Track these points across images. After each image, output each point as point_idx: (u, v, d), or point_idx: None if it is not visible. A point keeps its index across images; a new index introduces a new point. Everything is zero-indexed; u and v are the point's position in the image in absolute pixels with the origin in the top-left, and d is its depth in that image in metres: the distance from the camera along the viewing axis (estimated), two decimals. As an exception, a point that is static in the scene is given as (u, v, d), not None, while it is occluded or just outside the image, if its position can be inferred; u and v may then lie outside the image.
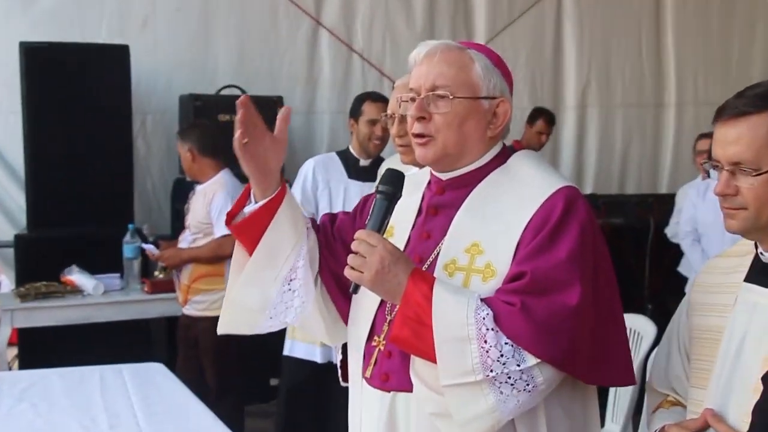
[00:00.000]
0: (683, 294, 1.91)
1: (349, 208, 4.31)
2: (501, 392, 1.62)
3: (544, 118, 6.16)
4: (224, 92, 5.68)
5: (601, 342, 1.70)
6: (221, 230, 4.29)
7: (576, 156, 6.91)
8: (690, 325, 1.83)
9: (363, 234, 1.73)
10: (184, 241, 4.54)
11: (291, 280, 1.88)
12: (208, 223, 4.41)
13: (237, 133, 1.78)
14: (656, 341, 3.72)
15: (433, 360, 1.65)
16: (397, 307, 1.72)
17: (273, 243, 1.85)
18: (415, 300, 1.67)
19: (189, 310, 4.50)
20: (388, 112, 2.77)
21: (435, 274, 1.76)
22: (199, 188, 4.55)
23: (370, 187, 4.23)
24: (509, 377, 1.62)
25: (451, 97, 1.78)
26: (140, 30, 5.74)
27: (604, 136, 6.96)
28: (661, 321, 4.19)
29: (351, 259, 1.72)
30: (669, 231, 5.69)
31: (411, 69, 1.87)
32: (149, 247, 4.67)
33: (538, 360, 1.62)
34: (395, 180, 1.83)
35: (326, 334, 2.00)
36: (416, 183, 1.95)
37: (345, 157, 4.32)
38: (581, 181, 6.88)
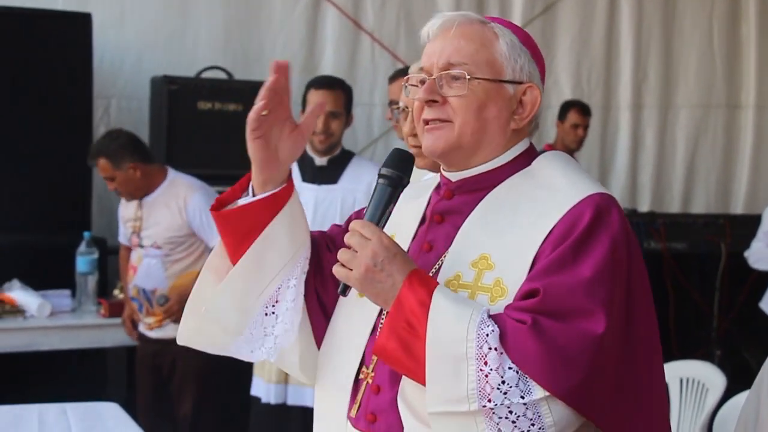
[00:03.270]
0: (763, 337, 1.86)
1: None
2: (499, 429, 1.59)
3: (576, 108, 6.12)
4: (205, 75, 5.66)
5: (631, 385, 1.67)
6: (216, 236, 4.29)
7: (630, 166, 6.90)
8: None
9: (357, 224, 1.73)
10: (148, 257, 4.52)
11: (276, 302, 1.87)
12: (186, 235, 4.44)
13: (259, 103, 1.77)
14: (726, 395, 3.67)
15: (423, 381, 1.63)
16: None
17: (265, 250, 1.84)
18: (409, 306, 1.66)
19: (165, 332, 4.48)
20: (400, 103, 2.72)
21: None
22: (149, 199, 4.52)
23: (326, 191, 4.27)
24: (510, 411, 1.58)
25: (468, 77, 1.77)
26: (105, -4, 5.74)
27: (664, 143, 6.95)
28: (733, 370, 4.18)
29: (341, 253, 1.72)
30: (751, 255, 5.60)
31: (424, 46, 1.87)
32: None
33: (547, 393, 1.58)
34: (401, 162, 1.82)
35: (300, 369, 1.97)
36: (423, 187, 1.96)
37: (301, 156, 4.35)
38: (636, 197, 6.86)
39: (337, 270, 1.72)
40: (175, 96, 5.34)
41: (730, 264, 5.87)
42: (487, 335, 1.59)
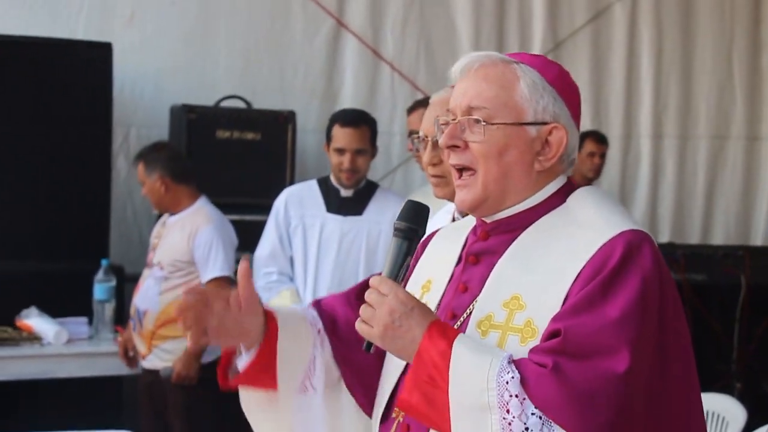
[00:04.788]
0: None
1: (327, 247, 4.41)
2: None
3: (591, 137, 6.11)
4: (224, 104, 5.70)
5: (664, 425, 1.67)
6: (210, 273, 4.38)
7: (650, 197, 6.87)
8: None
9: (375, 281, 1.75)
10: (152, 277, 4.54)
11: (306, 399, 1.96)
12: (187, 262, 4.46)
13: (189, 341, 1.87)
14: (746, 429, 3.65)
15: None
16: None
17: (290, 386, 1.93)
18: (430, 358, 1.66)
19: (152, 362, 4.50)
20: (420, 133, 2.73)
21: (468, 334, 1.74)
22: (172, 220, 4.58)
23: (352, 223, 4.29)
24: None
25: (485, 123, 1.77)
26: (126, 26, 5.79)
27: (684, 174, 6.92)
28: (754, 403, 4.14)
29: (362, 310, 1.74)
30: None
31: (453, 85, 1.88)
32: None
33: None
34: (416, 215, 1.82)
35: None
36: (460, 227, 1.97)
37: (325, 186, 4.40)
38: (655, 227, 6.83)
39: (359, 327, 1.74)
40: (194, 125, 5.38)
41: (750, 296, 5.83)
42: (507, 382, 1.59)
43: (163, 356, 4.47)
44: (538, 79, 1.80)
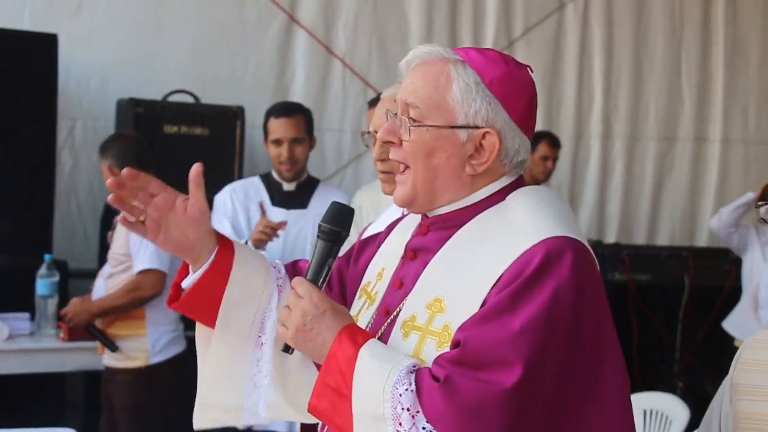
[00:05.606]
0: (725, 369, 1.87)
1: (273, 241, 4.37)
2: None
3: (547, 140, 6.10)
4: (173, 98, 5.66)
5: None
6: (140, 264, 4.28)
7: (598, 197, 6.94)
8: (735, 414, 1.79)
9: (295, 282, 1.75)
10: (101, 275, 4.51)
11: (261, 355, 1.93)
12: (125, 254, 4.37)
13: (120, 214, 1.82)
14: (689, 427, 3.71)
15: None
16: None
17: (230, 319, 1.89)
18: (337, 365, 1.65)
19: (106, 360, 4.46)
20: (371, 128, 2.74)
21: (393, 333, 1.75)
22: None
23: (296, 216, 4.30)
24: None
25: (415, 124, 1.75)
26: (72, 17, 5.73)
27: (632, 174, 7.01)
28: (696, 402, 4.20)
29: (280, 312, 1.76)
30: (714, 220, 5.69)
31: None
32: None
33: None
34: (340, 216, 1.81)
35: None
36: (416, 219, 1.93)
37: (268, 181, 4.42)
38: (603, 228, 6.90)
39: (278, 328, 1.76)
40: (141, 119, 5.32)
41: (693, 296, 5.91)
42: (401, 395, 1.57)
43: (114, 355, 4.38)
44: (473, 82, 1.74)
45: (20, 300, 4.81)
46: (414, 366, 1.62)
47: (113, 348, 4.33)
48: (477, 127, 1.74)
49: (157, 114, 5.38)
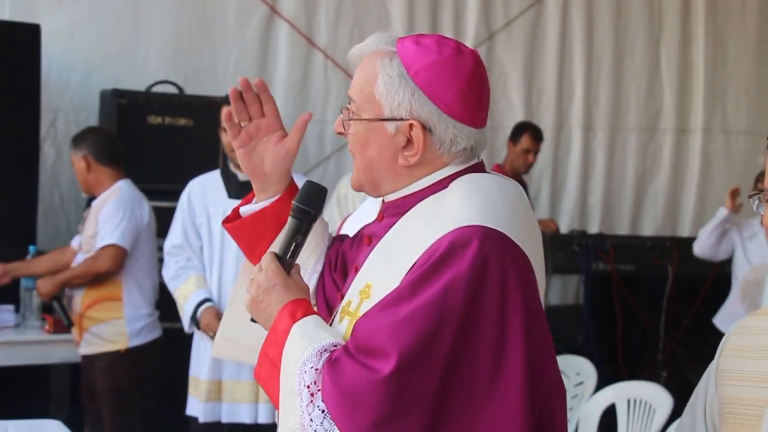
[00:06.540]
0: (708, 359, 1.90)
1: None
2: None
3: (530, 132, 6.13)
4: (156, 89, 5.66)
5: (460, 425, 1.62)
6: (103, 240, 4.33)
7: (581, 188, 6.97)
8: (721, 399, 1.82)
9: (264, 256, 1.84)
10: (75, 262, 4.53)
11: None
12: (96, 235, 4.40)
13: (225, 111, 1.92)
14: (672, 416, 3.74)
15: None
16: None
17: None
18: (275, 337, 1.74)
19: (85, 348, 4.46)
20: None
21: (335, 317, 1.82)
22: (95, 203, 4.55)
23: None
24: None
25: (353, 117, 1.80)
26: (55, 7, 5.70)
27: (614, 165, 7.04)
28: (679, 391, 4.24)
29: (248, 283, 1.84)
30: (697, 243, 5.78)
31: None
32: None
33: None
34: (312, 195, 1.85)
35: None
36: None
37: (225, 174, 4.42)
38: (585, 218, 6.93)
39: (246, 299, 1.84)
40: (124, 110, 5.31)
41: (676, 286, 5.96)
42: (305, 372, 1.63)
43: (92, 341, 4.41)
44: (396, 74, 1.74)
45: (5, 292, 4.80)
46: (334, 345, 1.67)
47: (69, 324, 4.43)
48: (402, 119, 1.74)
49: (140, 105, 5.37)
